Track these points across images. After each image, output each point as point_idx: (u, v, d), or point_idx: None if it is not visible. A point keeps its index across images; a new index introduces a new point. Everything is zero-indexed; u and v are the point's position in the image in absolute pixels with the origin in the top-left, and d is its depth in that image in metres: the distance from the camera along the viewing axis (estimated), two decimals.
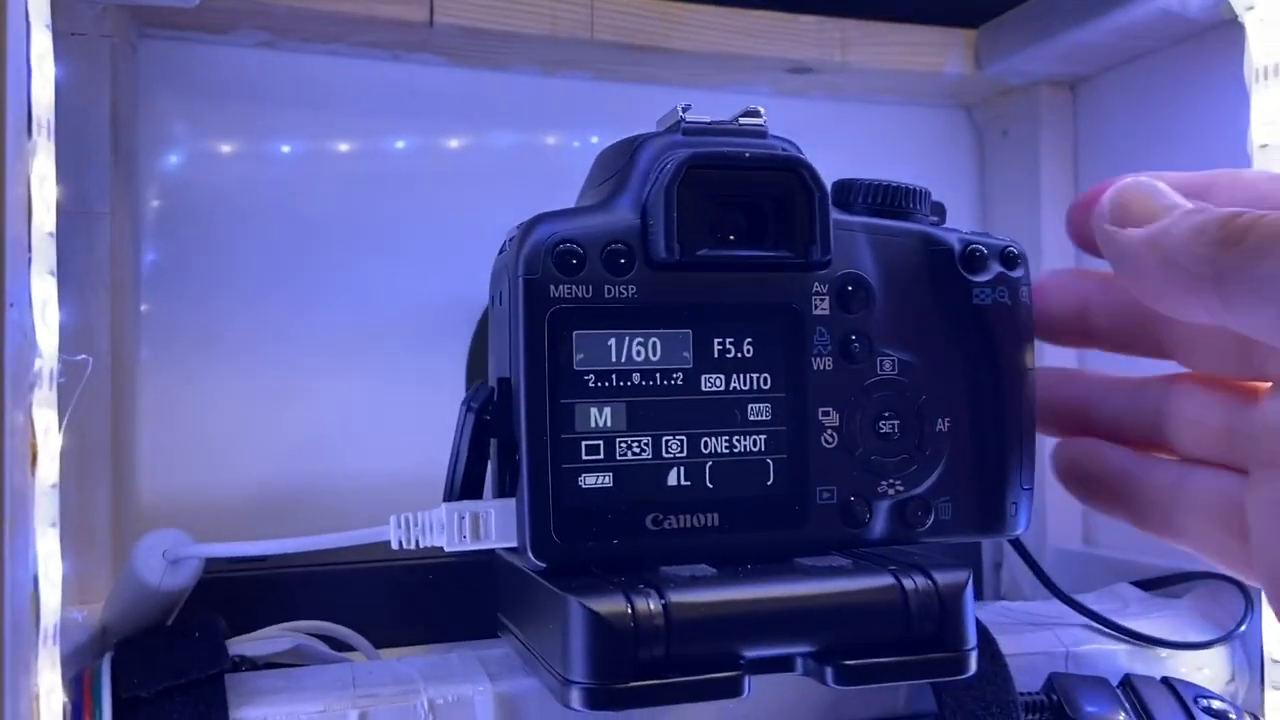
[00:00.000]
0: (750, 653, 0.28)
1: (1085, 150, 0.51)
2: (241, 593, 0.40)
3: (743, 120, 0.31)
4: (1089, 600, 0.43)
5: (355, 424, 0.47)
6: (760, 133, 0.31)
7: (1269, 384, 0.27)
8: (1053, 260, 0.49)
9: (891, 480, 0.31)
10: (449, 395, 0.48)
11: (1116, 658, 0.36)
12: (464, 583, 0.44)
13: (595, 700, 0.27)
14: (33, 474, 0.24)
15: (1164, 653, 0.37)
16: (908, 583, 0.29)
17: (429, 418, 0.47)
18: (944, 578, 0.29)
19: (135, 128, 0.42)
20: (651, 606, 0.27)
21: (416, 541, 0.30)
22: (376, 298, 0.47)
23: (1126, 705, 0.34)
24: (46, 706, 0.24)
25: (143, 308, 0.44)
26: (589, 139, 0.51)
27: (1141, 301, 0.26)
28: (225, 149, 0.46)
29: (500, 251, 0.32)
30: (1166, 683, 0.35)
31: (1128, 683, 0.35)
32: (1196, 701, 0.35)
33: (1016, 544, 0.36)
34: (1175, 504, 0.29)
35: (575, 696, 0.27)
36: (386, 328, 0.47)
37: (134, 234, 0.42)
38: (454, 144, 0.50)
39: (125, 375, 0.41)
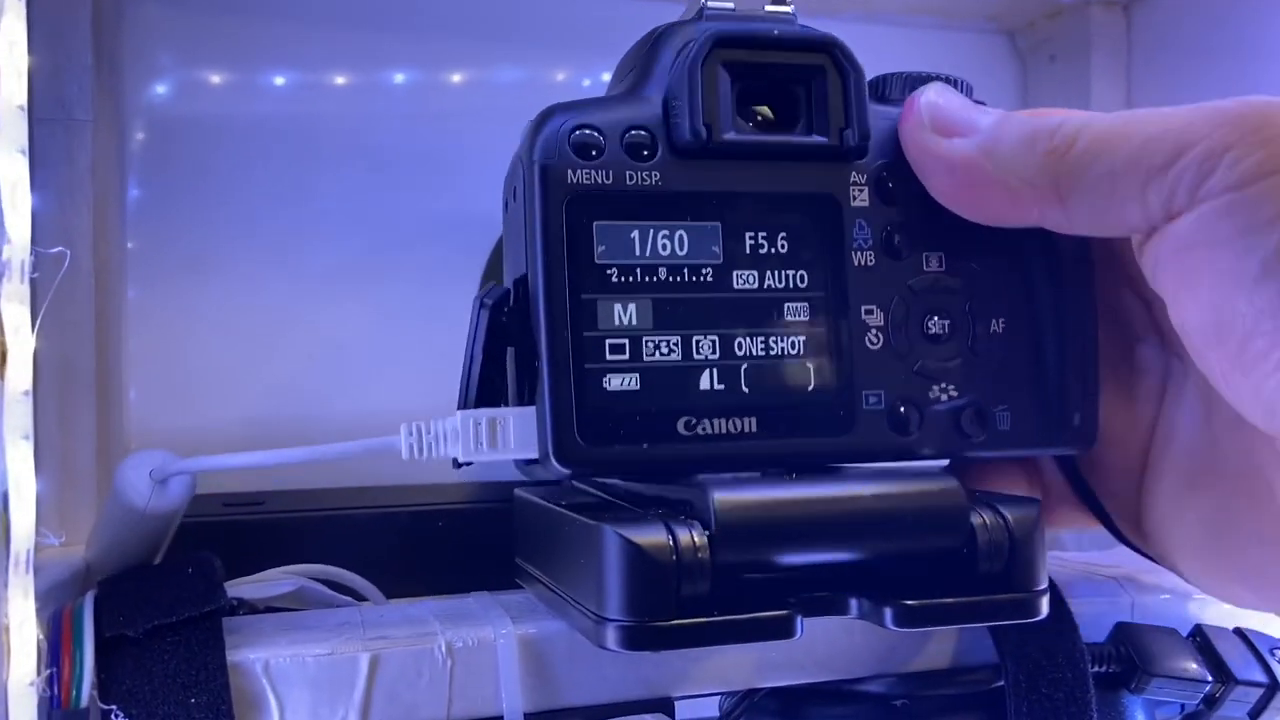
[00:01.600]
0: (803, 592, 0.26)
1: (1139, 77, 0.48)
2: (236, 539, 0.37)
3: (769, 8, 0.29)
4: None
5: (353, 357, 0.44)
6: (789, 21, 0.29)
7: None
8: None
9: (944, 385, 0.28)
10: (456, 328, 0.45)
11: (1185, 607, 0.33)
12: (476, 530, 0.41)
13: (633, 639, 0.24)
14: (1, 376, 0.21)
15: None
16: (975, 518, 0.26)
17: (433, 351, 0.44)
18: (1013, 511, 0.26)
19: (120, 33, 0.39)
20: (695, 538, 0.24)
21: (429, 449, 0.27)
22: (379, 225, 0.44)
23: (1199, 655, 0.32)
24: (19, 640, 0.21)
25: (129, 228, 0.41)
26: (601, 75, 0.49)
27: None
28: (217, 66, 0.43)
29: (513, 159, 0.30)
30: (1239, 633, 0.33)
31: (1199, 633, 0.32)
32: (1273, 653, 0.32)
33: (1071, 471, 0.33)
34: None
35: (611, 636, 0.24)
36: (389, 256, 0.44)
37: (119, 148, 0.39)
38: (458, 74, 0.47)
39: (110, 299, 0.38)
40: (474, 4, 0.47)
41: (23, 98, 0.22)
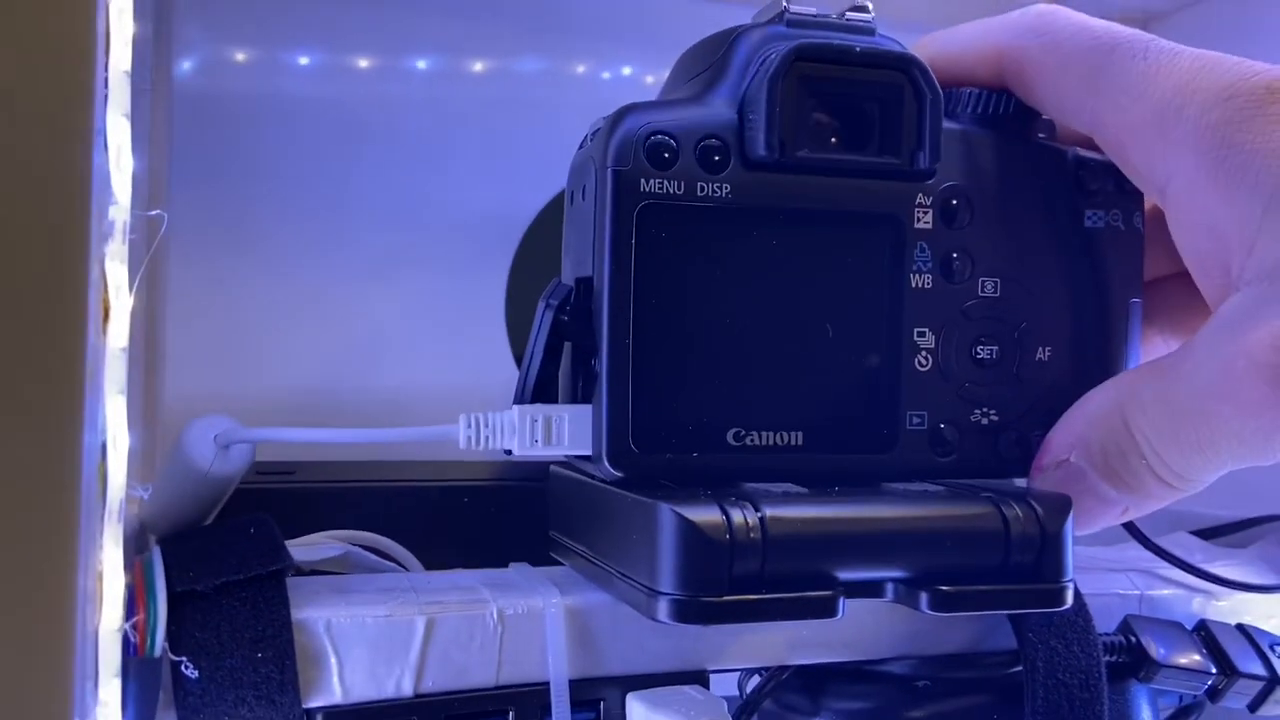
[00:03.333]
0: (846, 574, 0.27)
1: None
2: (270, 506, 0.38)
3: (850, 15, 0.29)
4: None
5: (383, 336, 0.45)
6: (869, 29, 0.29)
7: None
8: None
9: (985, 409, 0.29)
10: (486, 313, 0.46)
11: (1190, 603, 0.35)
12: (500, 506, 0.42)
13: (685, 613, 0.25)
14: (104, 333, 0.22)
15: (1233, 600, 0.36)
16: (1008, 510, 0.27)
17: (466, 334, 0.45)
18: (1045, 506, 0.28)
19: (169, 6, 0.40)
20: (748, 519, 0.25)
21: (486, 442, 0.28)
22: (415, 209, 0.45)
23: (1203, 649, 0.33)
24: (110, 587, 0.22)
25: (172, 204, 0.41)
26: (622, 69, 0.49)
27: None
28: (248, 43, 0.43)
29: (580, 147, 0.30)
30: (1241, 629, 0.34)
31: (1203, 628, 0.34)
32: (1273, 649, 0.34)
33: None
34: None
35: (663, 608, 0.26)
36: (425, 240, 0.45)
37: (167, 120, 0.40)
38: (480, 62, 0.47)
39: (156, 273, 0.38)
40: None
41: (128, 64, 0.23)
